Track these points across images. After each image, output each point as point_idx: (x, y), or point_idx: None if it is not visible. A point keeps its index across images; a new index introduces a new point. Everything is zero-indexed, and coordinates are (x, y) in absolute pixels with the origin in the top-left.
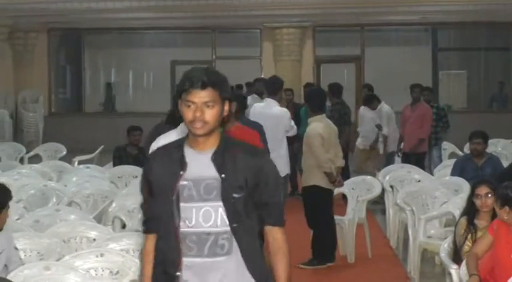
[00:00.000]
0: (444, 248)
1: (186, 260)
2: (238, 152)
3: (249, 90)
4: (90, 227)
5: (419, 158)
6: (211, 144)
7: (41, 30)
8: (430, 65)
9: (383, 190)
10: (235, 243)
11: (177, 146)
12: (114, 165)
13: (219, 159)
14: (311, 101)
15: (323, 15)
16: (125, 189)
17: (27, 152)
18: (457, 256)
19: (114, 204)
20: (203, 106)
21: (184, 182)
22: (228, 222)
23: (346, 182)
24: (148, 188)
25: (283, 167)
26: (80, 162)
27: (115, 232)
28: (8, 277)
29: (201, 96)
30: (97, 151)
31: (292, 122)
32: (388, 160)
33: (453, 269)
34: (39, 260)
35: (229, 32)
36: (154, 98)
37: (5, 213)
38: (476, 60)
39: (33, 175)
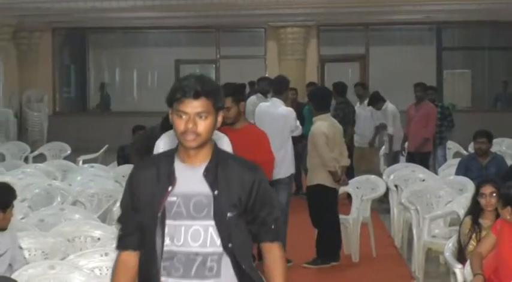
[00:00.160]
0: (448, 247)
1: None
2: (231, 167)
3: (252, 89)
4: (95, 226)
5: (423, 157)
6: (203, 158)
7: (46, 29)
8: (434, 64)
9: (387, 189)
10: (224, 266)
11: (166, 158)
12: (119, 164)
13: (211, 175)
14: (315, 100)
15: (327, 15)
16: None
17: (32, 151)
18: (461, 255)
19: (118, 204)
20: (196, 117)
21: (173, 198)
22: (219, 243)
23: (350, 181)
24: (132, 201)
25: (288, 167)
26: (84, 162)
27: None
28: (13, 276)
29: (194, 106)
30: (101, 150)
31: (298, 122)
32: (394, 159)
33: (458, 268)
34: (43, 259)
35: (234, 31)
36: (158, 97)
37: (9, 213)
38: (480, 59)
39: (37, 174)
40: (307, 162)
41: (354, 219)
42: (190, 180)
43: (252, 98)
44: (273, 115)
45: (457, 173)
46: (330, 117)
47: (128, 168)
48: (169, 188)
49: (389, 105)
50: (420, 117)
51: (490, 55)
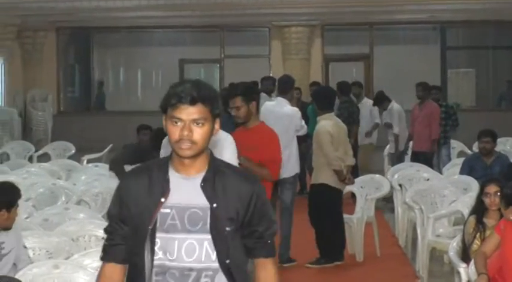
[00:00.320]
0: (453, 246)
1: None
2: (229, 178)
3: None
4: (99, 225)
5: (427, 157)
6: (199, 168)
7: (50, 29)
8: (438, 64)
9: (392, 189)
10: None
11: (159, 167)
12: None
13: (209, 186)
14: (319, 100)
15: (332, 14)
16: None
17: (36, 151)
18: (465, 255)
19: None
20: (192, 124)
21: (167, 210)
22: (214, 258)
23: (355, 181)
24: (120, 212)
25: (293, 166)
26: (88, 161)
27: None
28: (17, 276)
29: (189, 112)
30: (106, 150)
31: (303, 122)
32: (399, 159)
33: (462, 267)
34: (48, 259)
35: (238, 31)
36: (162, 97)
37: (14, 212)
38: (484, 58)
39: (42, 174)
40: (312, 162)
41: (358, 219)
42: (185, 191)
43: None
44: (278, 114)
45: (462, 172)
46: (334, 117)
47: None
48: (162, 200)
49: (394, 105)
50: (423, 117)
51: (495, 54)
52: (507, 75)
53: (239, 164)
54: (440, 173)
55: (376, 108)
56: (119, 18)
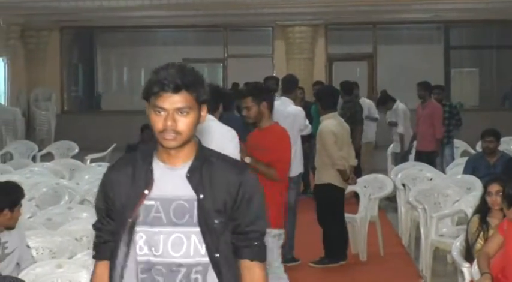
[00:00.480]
0: (456, 246)
1: None
2: (216, 167)
3: None
4: None
5: (430, 156)
6: (185, 158)
7: (54, 28)
8: (442, 63)
9: (395, 188)
10: (210, 279)
11: (143, 158)
12: None
13: (195, 177)
14: (322, 99)
15: (335, 13)
16: None
17: (40, 150)
18: (469, 254)
19: None
20: (175, 113)
21: (151, 202)
22: (204, 252)
23: (358, 180)
24: (105, 206)
25: (297, 166)
26: (92, 160)
27: None
28: (20, 275)
29: (173, 101)
30: (109, 149)
31: (307, 121)
32: (404, 158)
33: (465, 267)
34: (51, 258)
35: (241, 30)
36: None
37: (17, 211)
38: (488, 58)
39: (45, 173)
40: (315, 161)
41: (361, 218)
42: (170, 182)
43: None
44: (282, 114)
45: (465, 171)
46: (338, 117)
47: None
48: (146, 192)
49: (400, 105)
50: (425, 117)
51: (498, 54)
52: (511, 75)
53: (247, 164)
54: (444, 172)
55: (373, 106)
56: (122, 18)
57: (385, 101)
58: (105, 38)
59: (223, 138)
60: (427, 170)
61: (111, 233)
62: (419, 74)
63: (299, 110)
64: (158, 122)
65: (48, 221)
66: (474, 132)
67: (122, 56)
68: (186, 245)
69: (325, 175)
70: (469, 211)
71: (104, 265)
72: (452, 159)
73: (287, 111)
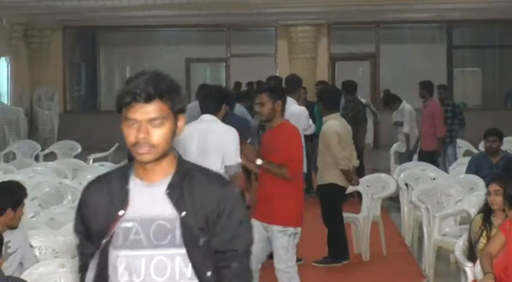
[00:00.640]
0: (459, 246)
1: None
2: (197, 182)
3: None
4: None
5: (432, 156)
6: (164, 173)
7: (56, 28)
8: (444, 63)
9: (398, 188)
10: None
11: (120, 176)
12: (129, 162)
13: (176, 193)
14: (325, 100)
15: (338, 13)
16: None
17: (42, 150)
18: (472, 254)
19: None
20: (149, 124)
21: (129, 224)
22: (190, 275)
23: (361, 180)
24: (84, 229)
25: None
26: (94, 160)
27: None
28: (23, 275)
29: (146, 111)
30: (112, 149)
31: (310, 121)
32: (409, 158)
33: (468, 267)
34: (54, 258)
35: (244, 30)
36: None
37: (20, 211)
38: (491, 57)
39: (48, 173)
40: (317, 162)
41: (364, 218)
42: (149, 200)
43: None
44: (286, 113)
45: (468, 171)
46: (340, 117)
47: None
48: (121, 212)
49: (406, 105)
50: (426, 116)
51: (501, 53)
52: None
53: (258, 165)
54: (447, 172)
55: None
56: (125, 17)
57: (391, 101)
58: (107, 37)
59: (223, 137)
60: (430, 170)
61: (92, 256)
62: (421, 73)
63: (302, 110)
64: (130, 134)
65: (51, 220)
66: (477, 132)
67: (124, 56)
68: (170, 268)
69: (328, 175)
70: (472, 211)
71: None
72: (455, 158)
73: (290, 111)
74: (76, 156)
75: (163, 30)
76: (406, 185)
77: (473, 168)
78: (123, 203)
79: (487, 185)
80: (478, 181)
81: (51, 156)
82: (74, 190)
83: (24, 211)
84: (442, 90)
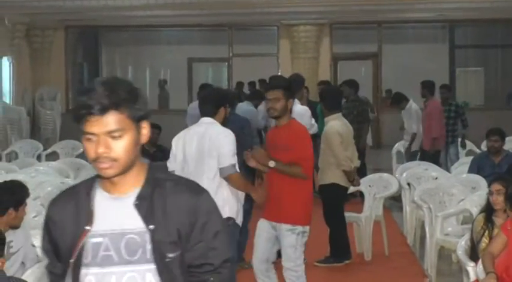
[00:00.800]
0: (461, 245)
1: None
2: (169, 192)
3: (262, 87)
4: None
5: (433, 155)
6: (133, 184)
7: (58, 27)
8: (447, 62)
9: (400, 187)
10: None
11: (86, 189)
12: None
13: (145, 205)
14: (327, 100)
15: (340, 13)
16: None
17: (45, 149)
18: (474, 253)
19: None
20: (108, 137)
21: (98, 239)
22: None
23: (363, 180)
24: (51, 246)
25: None
26: None
27: None
28: (25, 274)
29: (102, 124)
30: None
31: (313, 120)
32: (412, 158)
33: (470, 266)
34: None
35: (246, 30)
36: (171, 96)
37: (22, 211)
38: (493, 57)
39: (50, 172)
40: (319, 162)
41: (366, 218)
42: (117, 214)
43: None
44: None
45: (470, 171)
46: (342, 117)
47: None
48: (87, 227)
49: (413, 105)
50: (424, 116)
51: (503, 53)
52: None
53: (270, 167)
54: (449, 171)
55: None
56: (127, 17)
57: (399, 101)
58: (110, 37)
59: (217, 139)
60: (432, 169)
61: (63, 276)
62: (424, 73)
63: (305, 109)
64: (90, 149)
65: None
66: (479, 132)
67: (126, 55)
68: None
69: (330, 175)
70: (474, 210)
71: None
72: (457, 158)
73: (294, 111)
74: (78, 156)
75: (166, 29)
76: (408, 184)
77: (476, 167)
78: (89, 217)
79: (489, 185)
80: (480, 181)
81: (53, 156)
82: None
83: (26, 211)
84: (445, 90)
